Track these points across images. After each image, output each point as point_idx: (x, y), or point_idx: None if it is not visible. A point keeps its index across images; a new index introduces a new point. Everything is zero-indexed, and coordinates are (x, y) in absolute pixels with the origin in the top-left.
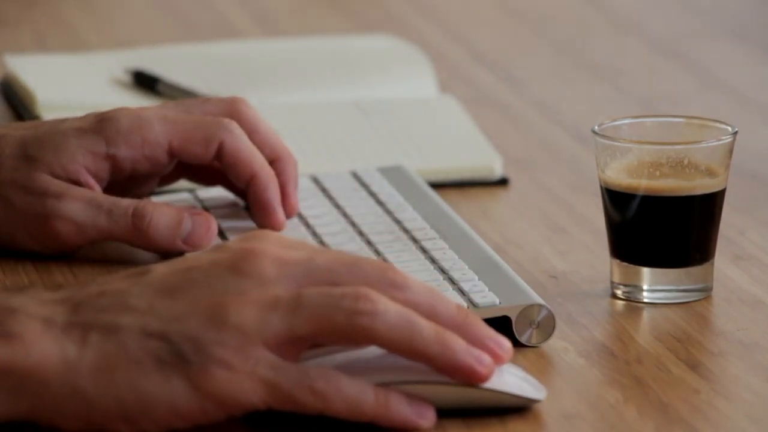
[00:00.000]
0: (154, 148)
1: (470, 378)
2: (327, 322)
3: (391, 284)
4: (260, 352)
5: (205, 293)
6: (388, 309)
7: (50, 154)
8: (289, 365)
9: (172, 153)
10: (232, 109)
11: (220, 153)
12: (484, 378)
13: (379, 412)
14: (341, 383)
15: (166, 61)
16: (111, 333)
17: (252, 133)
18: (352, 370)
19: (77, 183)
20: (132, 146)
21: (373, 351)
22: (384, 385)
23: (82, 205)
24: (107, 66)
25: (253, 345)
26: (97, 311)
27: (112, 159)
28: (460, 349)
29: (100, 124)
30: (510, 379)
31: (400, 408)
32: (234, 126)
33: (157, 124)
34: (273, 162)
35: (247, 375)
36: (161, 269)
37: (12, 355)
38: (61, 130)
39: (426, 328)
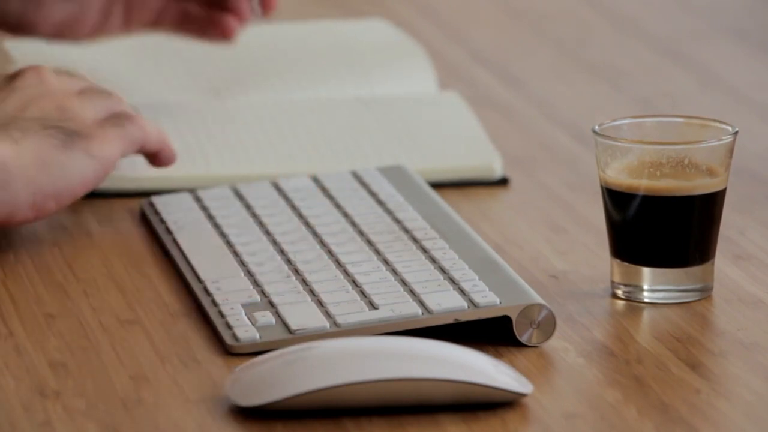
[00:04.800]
0: None
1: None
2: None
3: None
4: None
5: (42, 100)
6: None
7: None
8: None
9: None
10: None
11: None
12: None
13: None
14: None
15: (166, 56)
16: (24, 129)
17: None
18: (357, 363)
19: None
20: None
21: (375, 347)
22: (385, 382)
23: None
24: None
25: (93, 122)
26: None
27: None
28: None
29: None
30: (500, 377)
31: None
32: None
33: None
34: None
35: (106, 137)
36: None
37: None
38: None
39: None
